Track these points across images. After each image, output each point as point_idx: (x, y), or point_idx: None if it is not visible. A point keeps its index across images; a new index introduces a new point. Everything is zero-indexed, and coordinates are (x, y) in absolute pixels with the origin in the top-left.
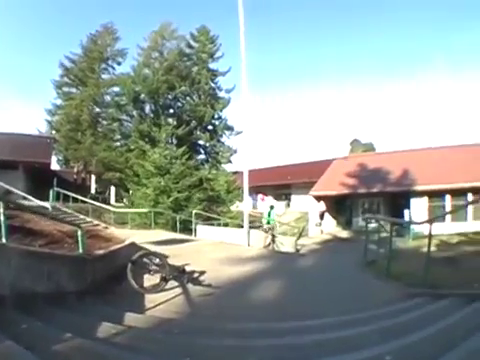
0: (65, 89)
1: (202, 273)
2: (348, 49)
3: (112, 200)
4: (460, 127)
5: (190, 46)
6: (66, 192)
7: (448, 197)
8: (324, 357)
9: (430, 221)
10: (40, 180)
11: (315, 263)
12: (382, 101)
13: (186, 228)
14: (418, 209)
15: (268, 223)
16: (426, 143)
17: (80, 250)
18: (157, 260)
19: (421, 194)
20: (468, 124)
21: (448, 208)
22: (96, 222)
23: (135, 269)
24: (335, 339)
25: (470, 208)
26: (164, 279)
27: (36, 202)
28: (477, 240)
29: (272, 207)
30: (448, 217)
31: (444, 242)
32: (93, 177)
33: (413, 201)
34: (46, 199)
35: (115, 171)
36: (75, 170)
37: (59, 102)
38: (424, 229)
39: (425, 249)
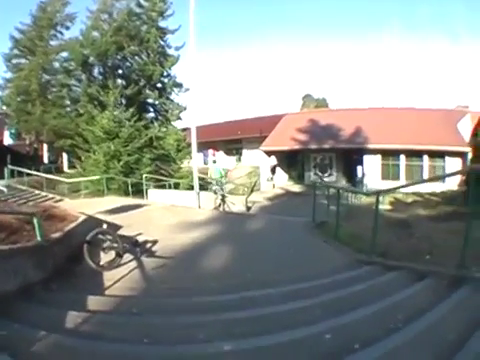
0: (14, 61)
1: (154, 243)
2: (301, 3)
3: (65, 168)
4: (412, 90)
5: (140, 5)
6: (20, 168)
7: (402, 157)
8: (265, 334)
9: (377, 193)
10: None
11: (265, 225)
12: (335, 58)
13: (138, 190)
14: (371, 166)
15: (218, 183)
16: (379, 103)
17: (38, 238)
18: (110, 236)
19: (374, 152)
20: (420, 88)
21: (402, 168)
22: (51, 195)
23: (91, 248)
24: (278, 314)
25: (426, 168)
26: (118, 255)
27: None
28: (431, 202)
29: (215, 162)
30: (402, 175)
31: (399, 201)
32: (45, 146)
33: (366, 158)
34: (1, 176)
35: (66, 138)
36: (27, 142)
37: (9, 75)
38: (379, 186)
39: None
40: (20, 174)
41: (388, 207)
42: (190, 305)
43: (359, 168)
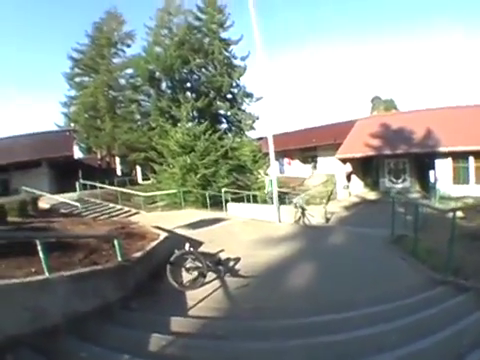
0: (77, 79)
1: (237, 260)
2: (364, 4)
3: (139, 179)
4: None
5: (198, 18)
6: (92, 183)
7: (471, 159)
8: None
9: (454, 210)
10: (65, 172)
11: (344, 239)
12: (402, 57)
13: (216, 203)
14: (443, 170)
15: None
16: (447, 102)
17: (119, 258)
18: (193, 256)
19: (445, 155)
20: None
21: (472, 170)
22: (126, 208)
23: (173, 268)
24: (357, 339)
25: None
26: (202, 274)
27: (63, 200)
28: None
29: (267, 174)
30: (472, 179)
31: (471, 207)
32: (117, 160)
33: (438, 162)
34: (73, 190)
35: (139, 151)
36: (99, 156)
37: (73, 93)
38: (451, 191)
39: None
40: (92, 187)
41: (460, 214)
42: (275, 329)
43: (431, 173)
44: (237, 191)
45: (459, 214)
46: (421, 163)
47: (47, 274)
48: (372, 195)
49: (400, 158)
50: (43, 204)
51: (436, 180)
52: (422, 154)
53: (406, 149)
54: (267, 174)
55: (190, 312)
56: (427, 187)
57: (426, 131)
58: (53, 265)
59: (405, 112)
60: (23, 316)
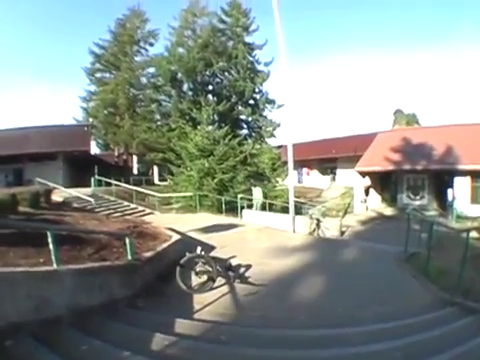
0: (98, 75)
1: (248, 267)
2: (389, 15)
3: (156, 180)
4: None
5: (223, 21)
6: (107, 179)
7: None
8: None
9: (467, 231)
10: (81, 167)
11: (358, 254)
12: (426, 71)
13: (231, 208)
14: (461, 189)
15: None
16: (469, 118)
17: (129, 257)
18: (204, 260)
19: (464, 173)
20: None
21: None
22: (140, 208)
23: (183, 271)
24: (361, 355)
25: None
26: (211, 279)
27: (77, 194)
28: None
29: (254, 186)
30: None
31: None
32: (135, 158)
33: (457, 180)
34: (88, 185)
35: (157, 151)
36: (116, 153)
37: (93, 88)
38: (468, 210)
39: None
40: (107, 184)
41: (475, 235)
42: (279, 338)
43: (450, 191)
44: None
45: (474, 234)
46: (440, 180)
47: (55, 266)
48: (389, 211)
49: (419, 174)
50: (56, 197)
51: (454, 199)
52: (441, 171)
53: (426, 165)
54: (282, 183)
55: (196, 315)
56: (444, 205)
57: (446, 147)
58: (62, 258)
59: (427, 127)
60: (27, 304)
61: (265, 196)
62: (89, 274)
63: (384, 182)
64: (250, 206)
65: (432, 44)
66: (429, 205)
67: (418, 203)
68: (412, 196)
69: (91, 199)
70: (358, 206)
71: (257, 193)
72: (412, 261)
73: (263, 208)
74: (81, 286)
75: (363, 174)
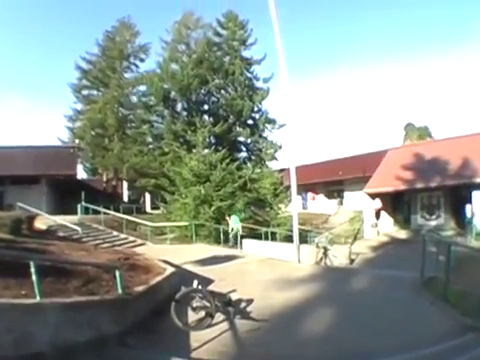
0: (85, 92)
1: (249, 302)
2: (392, 24)
3: (148, 208)
4: None
5: (218, 34)
6: (95, 207)
7: None
8: None
9: None
10: (66, 192)
11: (369, 282)
12: (437, 81)
13: (231, 238)
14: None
15: (232, 230)
16: None
17: (119, 290)
18: (201, 294)
19: None
20: None
21: None
22: (131, 238)
23: (179, 306)
24: None
25: None
26: (209, 314)
27: (62, 222)
28: None
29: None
30: None
31: None
32: (125, 184)
33: (475, 194)
34: (74, 212)
35: (149, 177)
36: (104, 178)
37: (79, 107)
38: None
39: None
40: (95, 212)
41: None
42: None
43: (468, 207)
44: (254, 227)
45: None
46: (457, 196)
47: (38, 298)
48: (402, 234)
49: (434, 192)
50: (39, 224)
51: (473, 215)
52: (458, 186)
53: (440, 181)
54: (285, 209)
55: (193, 354)
56: (463, 223)
57: (463, 160)
58: (45, 290)
59: (440, 140)
60: (7, 339)
61: (267, 225)
62: (76, 309)
63: (396, 203)
64: (254, 236)
65: (442, 51)
66: (446, 224)
67: (434, 223)
68: (427, 216)
69: (78, 228)
70: (368, 231)
71: (233, 222)
72: (429, 286)
73: (236, 238)
74: (67, 321)
75: (373, 196)
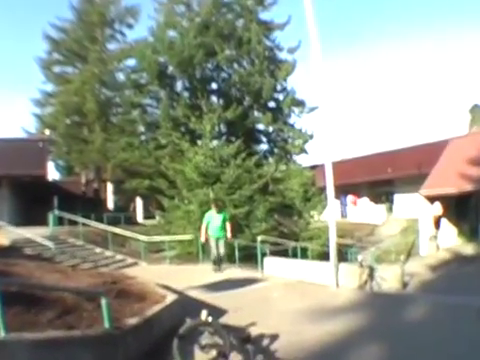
0: (56, 69)
1: (274, 338)
2: None
3: (140, 217)
4: None
5: None
6: (71, 216)
7: None
8: None
9: None
10: (34, 198)
11: (429, 312)
12: None
13: (248, 256)
14: None
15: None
16: None
17: (105, 324)
18: (211, 329)
19: None
20: None
21: None
22: (119, 256)
23: (183, 344)
24: None
25: None
26: (223, 355)
27: (29, 236)
28: None
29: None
30: None
31: None
32: (110, 187)
33: None
34: (45, 223)
35: (142, 177)
36: (83, 179)
37: (50, 88)
38: None
39: None
40: (72, 222)
41: None
42: None
43: None
44: (279, 241)
45: None
46: None
47: (3, 333)
48: (469, 249)
49: None
50: (0, 239)
51: None
52: None
53: None
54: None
55: None
56: None
57: None
58: (12, 323)
59: None
60: None
61: (296, 238)
62: (51, 346)
63: (461, 209)
64: (275, 253)
65: None
66: None
67: None
68: None
69: (50, 244)
70: (426, 245)
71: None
72: None
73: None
74: None
75: (431, 199)
